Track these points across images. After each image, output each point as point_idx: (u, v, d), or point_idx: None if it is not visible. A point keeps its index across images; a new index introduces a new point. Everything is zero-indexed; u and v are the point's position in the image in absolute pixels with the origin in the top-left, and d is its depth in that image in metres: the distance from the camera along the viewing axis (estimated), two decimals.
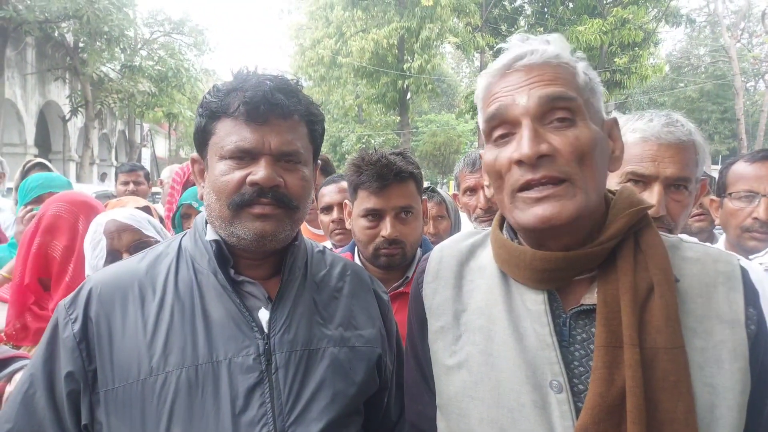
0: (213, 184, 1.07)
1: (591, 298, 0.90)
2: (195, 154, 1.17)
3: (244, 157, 1.05)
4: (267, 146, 1.05)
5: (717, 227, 2.31)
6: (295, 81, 1.15)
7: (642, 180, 1.30)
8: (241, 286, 1.12)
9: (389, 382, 1.27)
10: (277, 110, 1.06)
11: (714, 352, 0.84)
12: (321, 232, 2.55)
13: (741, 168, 1.72)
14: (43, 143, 17.29)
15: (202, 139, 1.12)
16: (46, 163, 3.59)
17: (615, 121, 0.98)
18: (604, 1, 19.35)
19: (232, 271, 1.11)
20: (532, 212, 0.86)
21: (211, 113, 1.08)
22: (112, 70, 17.76)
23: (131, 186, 3.97)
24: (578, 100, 0.89)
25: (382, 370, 1.22)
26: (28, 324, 1.82)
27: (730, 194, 1.72)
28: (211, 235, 1.12)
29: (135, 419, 1.00)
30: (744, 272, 0.90)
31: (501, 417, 0.89)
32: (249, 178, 1.04)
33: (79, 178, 16.25)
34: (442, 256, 1.09)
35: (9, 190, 4.98)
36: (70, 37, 15.49)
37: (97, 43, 15.17)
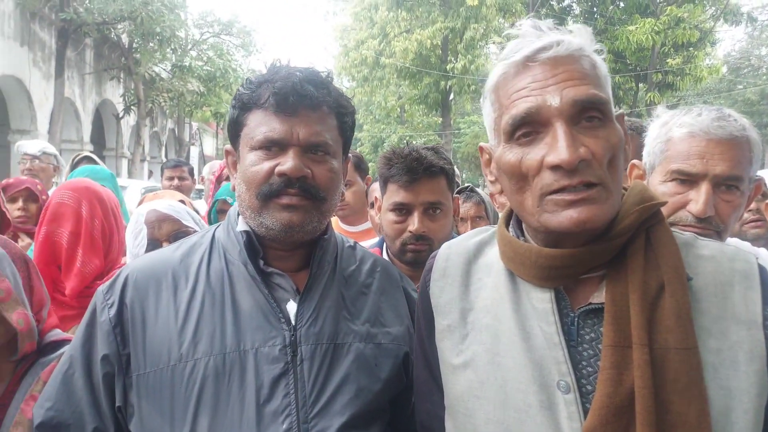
0: (243, 175, 1.09)
1: (600, 296, 0.87)
2: (229, 146, 1.19)
3: (273, 147, 1.06)
4: (295, 137, 1.06)
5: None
6: (326, 73, 1.14)
7: (689, 178, 1.22)
8: (270, 277, 1.13)
9: None
10: (305, 101, 1.06)
11: (729, 353, 0.81)
12: (353, 228, 2.54)
13: None
14: (98, 140, 18.08)
15: (234, 130, 1.14)
16: (93, 156, 3.74)
17: (622, 116, 0.94)
18: (658, 0, 18.66)
19: (261, 263, 1.11)
20: (566, 215, 0.82)
21: (243, 105, 1.10)
22: (164, 69, 18.39)
23: (176, 181, 4.05)
24: (609, 101, 0.86)
25: (409, 369, 1.21)
26: (50, 311, 1.87)
27: None
28: (242, 226, 1.14)
29: (164, 404, 1.03)
30: (762, 271, 0.86)
31: (507, 417, 0.87)
32: (277, 169, 1.05)
33: (130, 174, 16.92)
34: (449, 253, 1.07)
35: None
36: (125, 38, 16.14)
37: (150, 43, 15.74)
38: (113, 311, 1.08)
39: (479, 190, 2.81)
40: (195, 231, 1.68)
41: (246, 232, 1.12)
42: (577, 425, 0.81)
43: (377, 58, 21.55)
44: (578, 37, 0.88)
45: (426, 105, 23.40)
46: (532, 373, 0.86)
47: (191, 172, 4.24)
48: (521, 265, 0.92)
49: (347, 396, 1.07)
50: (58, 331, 1.32)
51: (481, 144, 1.01)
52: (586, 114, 0.83)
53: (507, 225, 1.01)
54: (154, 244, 1.63)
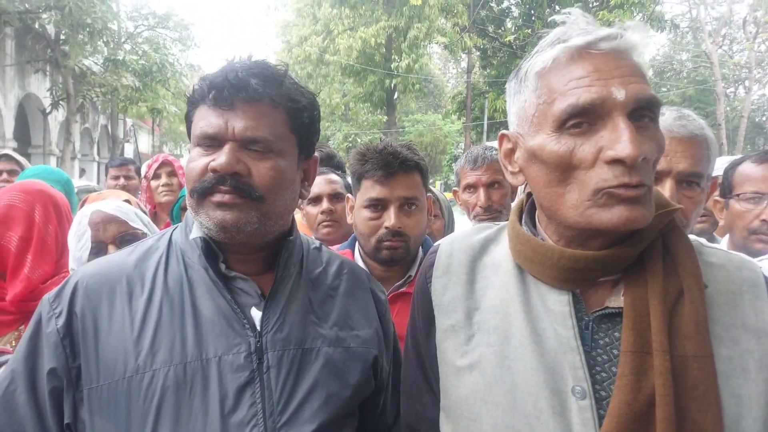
0: (186, 172, 1.05)
1: (617, 300, 0.85)
2: (190, 144, 1.13)
3: (211, 143, 1.01)
4: (231, 131, 1.00)
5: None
6: (281, 66, 1.08)
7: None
8: (232, 282, 1.07)
9: (385, 385, 1.23)
10: (242, 93, 0.99)
11: (740, 361, 0.81)
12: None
13: (748, 169, 1.69)
14: (23, 137, 16.90)
15: (187, 128, 1.09)
16: (13, 154, 3.45)
17: None
18: (591, 5, 19.52)
19: (222, 266, 1.06)
20: (616, 212, 0.79)
21: (189, 101, 1.06)
22: (95, 63, 17.41)
23: (122, 181, 3.74)
24: (661, 104, 0.84)
25: (378, 372, 1.18)
26: None
27: (737, 195, 1.69)
28: (196, 231, 1.08)
29: (120, 418, 0.96)
30: None
31: (516, 423, 0.84)
32: (210, 165, 1.00)
33: None
34: (452, 250, 1.03)
35: None
36: (51, 29, 15.14)
37: (80, 35, 14.83)
38: (61, 321, 1.00)
39: (434, 188, 2.81)
40: (143, 233, 1.57)
41: (202, 237, 1.06)
42: None
43: (321, 55, 21.38)
44: (636, 33, 0.84)
45: (371, 103, 23.49)
46: (544, 377, 0.84)
47: (138, 170, 3.92)
48: (540, 265, 0.89)
49: (317, 403, 1.03)
50: None
51: (504, 131, 0.96)
52: (640, 113, 0.81)
53: (520, 221, 0.97)
54: (99, 246, 1.51)
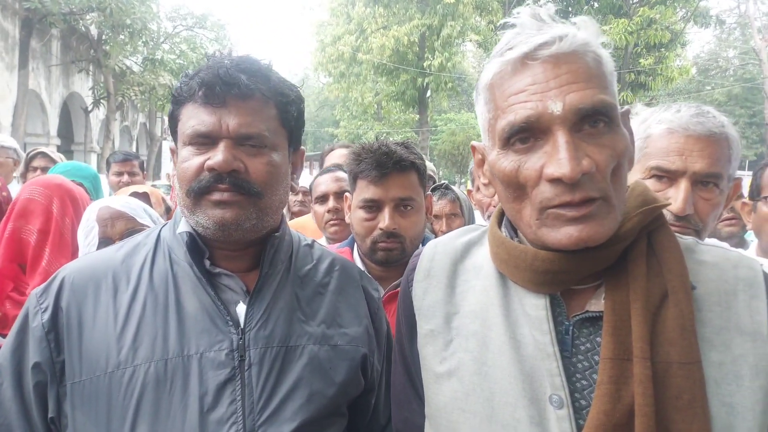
0: (177, 172, 1.03)
1: (597, 304, 0.81)
2: (172, 144, 1.12)
3: (204, 142, 1.00)
4: (225, 129, 0.99)
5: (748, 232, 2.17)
6: (266, 61, 1.07)
7: (667, 176, 1.18)
8: (217, 278, 1.06)
9: (377, 384, 1.20)
10: (234, 90, 0.99)
11: (733, 367, 0.76)
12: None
13: None
14: (66, 134, 17.58)
15: (172, 127, 1.08)
16: (48, 152, 3.54)
17: (627, 112, 0.86)
18: (631, 1, 18.98)
19: (207, 263, 1.05)
20: (564, 233, 0.76)
21: (176, 99, 1.04)
22: (135, 63, 17.96)
23: (125, 177, 3.64)
24: (615, 105, 0.78)
25: (368, 371, 1.16)
26: (6, 312, 1.79)
27: (765, 198, 1.60)
28: (183, 226, 1.07)
29: (100, 413, 0.96)
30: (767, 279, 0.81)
31: None
32: (206, 163, 0.98)
33: (99, 169, 16.48)
34: (435, 253, 1.00)
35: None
36: (93, 30, 15.68)
37: (120, 35, 15.34)
38: (47, 316, 1.01)
39: (455, 187, 2.76)
40: None
41: (188, 232, 1.06)
42: None
43: (354, 54, 21.45)
44: (583, 30, 0.80)
45: (403, 102, 23.40)
46: (522, 385, 0.80)
47: (142, 165, 3.83)
48: (515, 268, 0.85)
49: (298, 401, 1.02)
50: None
51: (474, 143, 0.94)
52: (590, 119, 0.76)
53: (499, 224, 0.94)
54: (106, 242, 1.53)
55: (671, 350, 0.74)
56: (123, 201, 1.61)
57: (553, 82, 0.76)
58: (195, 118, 1.00)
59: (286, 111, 1.07)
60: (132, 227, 1.57)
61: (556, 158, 0.74)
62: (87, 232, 1.54)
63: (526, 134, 0.78)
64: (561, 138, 0.74)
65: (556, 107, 0.75)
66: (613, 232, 0.78)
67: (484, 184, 0.93)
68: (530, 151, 0.78)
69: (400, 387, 1.04)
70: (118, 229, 1.56)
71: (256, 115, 1.01)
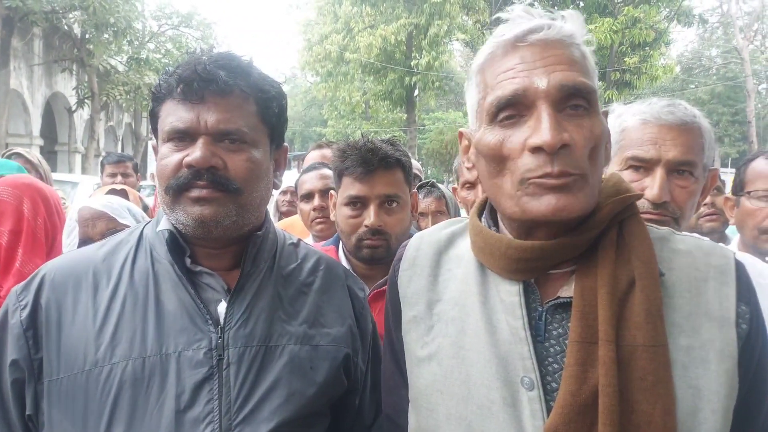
0: (157, 169, 1.03)
1: (569, 290, 0.85)
2: (154, 142, 1.11)
3: (183, 138, 1.00)
4: (203, 125, 0.99)
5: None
6: (246, 57, 1.07)
7: (643, 165, 1.22)
8: (198, 276, 1.06)
9: (361, 384, 1.20)
10: (212, 86, 0.98)
11: (700, 351, 0.79)
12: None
13: (761, 165, 1.63)
14: (50, 134, 17.32)
15: (153, 124, 1.08)
16: (23, 152, 3.49)
17: (605, 113, 0.93)
18: (616, 0, 19.15)
19: (188, 261, 1.04)
20: (545, 200, 0.80)
21: (155, 96, 1.04)
22: (119, 62, 17.76)
23: (119, 178, 3.67)
24: (596, 91, 0.84)
25: (351, 371, 1.16)
26: None
27: (748, 193, 1.63)
28: (164, 224, 1.06)
29: (77, 412, 0.95)
30: (739, 266, 0.84)
31: (469, 414, 0.85)
32: (185, 160, 0.98)
33: (84, 170, 16.27)
34: (420, 243, 1.04)
35: None
36: (77, 29, 15.47)
37: (104, 34, 15.13)
38: (26, 313, 1.00)
39: (441, 185, 2.77)
40: None
41: (169, 230, 1.05)
42: (540, 423, 0.79)
43: (341, 53, 21.40)
44: (570, 23, 0.85)
45: (391, 101, 23.40)
46: (497, 368, 0.84)
47: (135, 167, 3.88)
48: (490, 255, 0.89)
49: (277, 401, 1.01)
50: None
51: (461, 129, 0.98)
52: (572, 101, 0.81)
53: (480, 216, 0.98)
54: (86, 243, 1.52)
55: (637, 334, 0.77)
56: (104, 201, 1.60)
57: (540, 62, 0.81)
58: (173, 114, 1.00)
59: (267, 107, 1.06)
60: (113, 227, 1.56)
61: (539, 128, 0.79)
62: (69, 231, 1.52)
63: (513, 111, 0.82)
64: (544, 111, 0.79)
65: (541, 83, 0.80)
66: (589, 210, 0.82)
67: (468, 168, 0.97)
68: (515, 126, 0.83)
69: (389, 373, 1.07)
70: (98, 229, 1.54)
71: (234, 111, 1.01)
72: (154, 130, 1.07)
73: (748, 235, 1.63)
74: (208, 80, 0.98)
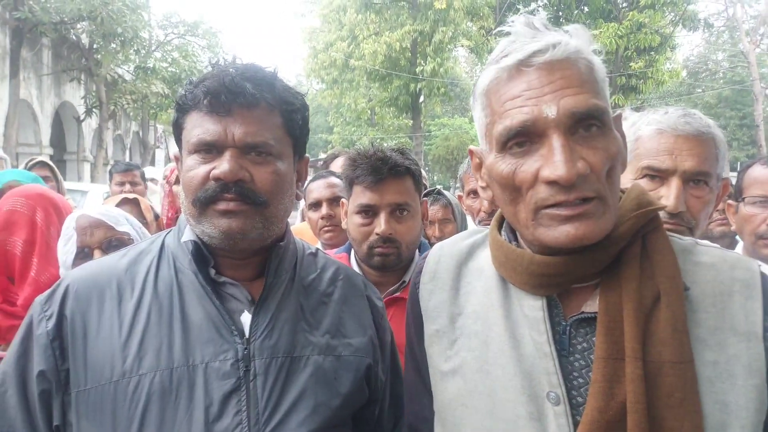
0: (182, 181, 1.03)
1: (593, 305, 0.84)
2: (176, 151, 1.12)
3: (210, 150, 1.00)
4: (231, 138, 0.99)
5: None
6: (271, 68, 1.07)
7: (659, 175, 1.22)
8: (222, 287, 1.06)
9: (381, 394, 1.19)
10: (240, 99, 0.98)
11: (727, 366, 0.78)
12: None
13: (757, 172, 1.64)
14: (59, 143, 17.48)
15: (176, 134, 1.08)
16: (48, 161, 3.53)
17: (620, 117, 0.89)
18: (620, 5, 19.13)
19: (212, 272, 1.05)
20: (562, 230, 0.79)
21: (180, 107, 1.04)
22: (127, 71, 17.91)
23: (127, 187, 3.73)
24: (607, 110, 0.82)
25: (371, 382, 1.15)
26: None
27: (744, 199, 1.64)
28: (188, 235, 1.07)
29: (105, 422, 0.96)
30: (765, 279, 0.83)
31: (495, 428, 0.85)
32: (212, 173, 0.98)
33: (93, 178, 16.38)
34: (440, 255, 1.04)
35: None
36: (85, 39, 15.63)
37: (112, 44, 15.28)
38: (51, 323, 1.00)
39: (447, 192, 2.75)
40: (130, 237, 1.57)
41: (193, 241, 1.05)
42: None
43: (346, 61, 21.47)
44: (575, 37, 0.83)
45: (396, 107, 23.46)
46: (522, 383, 0.84)
47: (143, 176, 3.95)
48: (513, 270, 0.89)
49: (303, 413, 1.01)
50: None
51: (472, 147, 0.97)
52: (584, 123, 0.79)
53: (499, 228, 0.97)
54: (83, 251, 1.51)
55: (663, 350, 0.76)
56: (102, 209, 1.60)
57: (547, 87, 0.79)
58: (200, 126, 1.00)
59: (291, 119, 1.07)
60: (111, 236, 1.56)
61: (552, 161, 0.77)
62: (66, 240, 1.52)
63: (522, 138, 0.80)
64: (556, 141, 0.77)
65: (550, 111, 0.78)
66: (609, 232, 0.80)
67: (482, 187, 0.94)
68: (526, 155, 0.81)
69: (411, 382, 1.08)
70: (96, 237, 1.54)
71: (261, 124, 1.01)
72: (178, 141, 1.07)
73: (746, 241, 1.65)
74: (235, 93, 0.98)
